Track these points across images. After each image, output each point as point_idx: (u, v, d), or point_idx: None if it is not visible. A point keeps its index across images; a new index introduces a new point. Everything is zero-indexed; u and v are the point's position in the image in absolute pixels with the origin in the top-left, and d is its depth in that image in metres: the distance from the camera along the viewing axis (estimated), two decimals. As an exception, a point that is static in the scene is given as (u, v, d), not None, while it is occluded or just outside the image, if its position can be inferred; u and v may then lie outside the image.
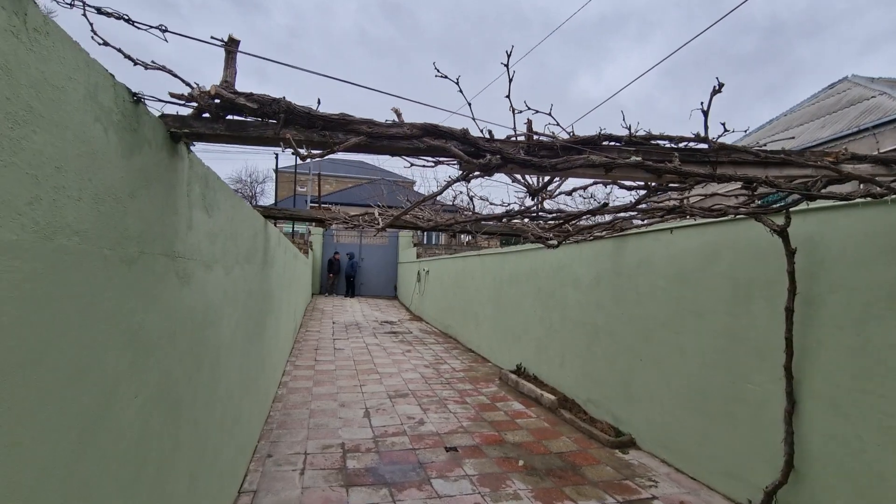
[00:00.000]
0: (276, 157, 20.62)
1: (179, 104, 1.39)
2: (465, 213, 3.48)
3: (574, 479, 3.61)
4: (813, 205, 2.79)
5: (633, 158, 1.55)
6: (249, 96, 1.37)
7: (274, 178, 23.33)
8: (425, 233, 20.27)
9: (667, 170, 1.58)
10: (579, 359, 5.26)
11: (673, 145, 1.71)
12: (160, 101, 1.33)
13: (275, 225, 5.23)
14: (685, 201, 2.70)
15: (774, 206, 2.62)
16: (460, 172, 1.75)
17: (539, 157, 1.56)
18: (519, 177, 1.98)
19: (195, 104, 1.41)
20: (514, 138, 1.66)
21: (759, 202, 2.76)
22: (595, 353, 4.96)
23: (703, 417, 3.57)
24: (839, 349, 2.67)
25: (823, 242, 2.81)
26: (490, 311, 8.11)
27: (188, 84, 1.39)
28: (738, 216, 3.10)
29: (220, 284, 2.46)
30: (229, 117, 1.47)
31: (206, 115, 1.46)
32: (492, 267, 8.26)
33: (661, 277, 4.04)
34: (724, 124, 1.75)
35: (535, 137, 1.62)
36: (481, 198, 3.08)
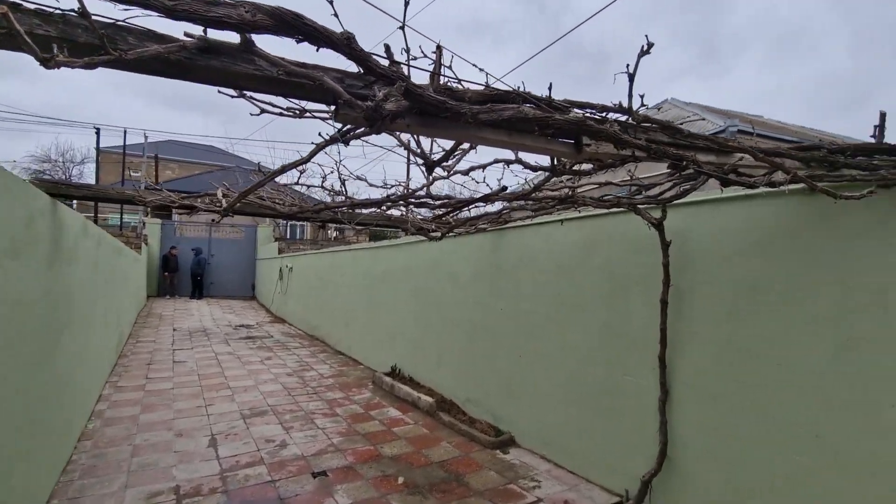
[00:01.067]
0: (98, 132, 16.95)
1: None
2: (338, 198, 2.93)
3: (459, 491, 3.32)
4: (685, 199, 2.87)
5: (575, 111, 1.24)
6: None
7: (95, 157, 18.96)
8: (289, 227, 18.67)
9: (607, 134, 1.30)
10: (457, 357, 5.04)
11: (595, 113, 1.45)
12: None
13: (73, 207, 3.99)
14: (576, 190, 2.55)
15: (659, 198, 2.60)
16: (335, 129, 1.24)
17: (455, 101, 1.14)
18: (413, 143, 1.55)
19: None
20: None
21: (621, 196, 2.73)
22: (474, 350, 4.78)
23: (583, 411, 3.56)
24: (711, 340, 2.76)
25: (693, 237, 2.90)
26: (362, 309, 7.55)
27: None
28: (615, 209, 3.09)
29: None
30: None
31: None
32: (364, 262, 7.70)
33: (542, 272, 3.97)
34: (642, 96, 1.53)
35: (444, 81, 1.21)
36: (358, 177, 2.58)
